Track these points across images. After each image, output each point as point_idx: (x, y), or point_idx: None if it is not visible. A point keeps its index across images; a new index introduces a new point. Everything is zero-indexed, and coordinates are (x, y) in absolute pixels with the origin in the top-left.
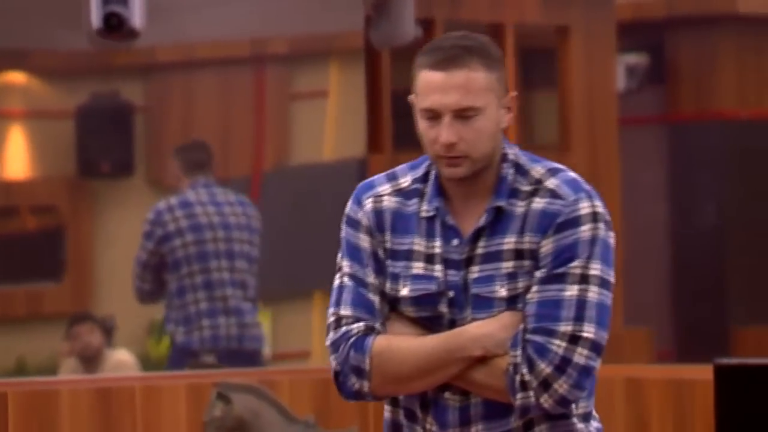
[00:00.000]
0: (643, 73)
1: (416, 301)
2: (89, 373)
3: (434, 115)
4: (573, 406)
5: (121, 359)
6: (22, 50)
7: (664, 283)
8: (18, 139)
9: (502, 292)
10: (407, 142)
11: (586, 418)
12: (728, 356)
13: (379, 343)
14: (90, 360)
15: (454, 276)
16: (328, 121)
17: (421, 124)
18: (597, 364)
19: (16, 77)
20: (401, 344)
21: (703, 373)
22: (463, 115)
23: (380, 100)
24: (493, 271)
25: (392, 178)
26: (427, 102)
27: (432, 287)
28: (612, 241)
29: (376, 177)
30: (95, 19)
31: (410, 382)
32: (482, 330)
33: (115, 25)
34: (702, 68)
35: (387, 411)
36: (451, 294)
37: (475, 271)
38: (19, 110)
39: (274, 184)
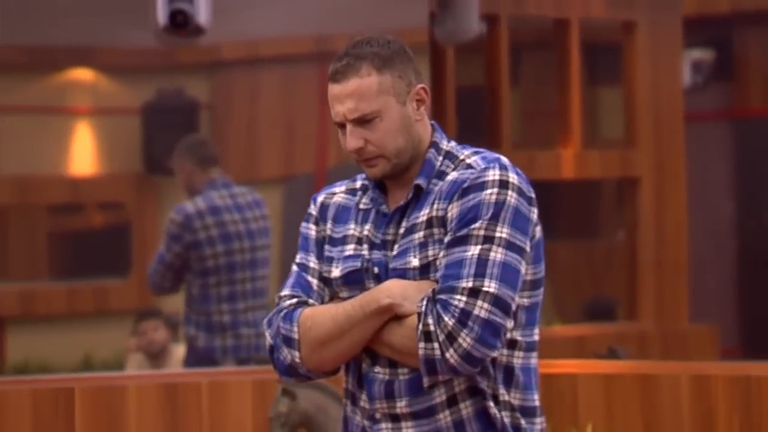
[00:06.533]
0: (709, 69)
1: (345, 279)
2: (155, 368)
3: (341, 125)
4: (502, 391)
5: None
6: (90, 48)
7: (730, 280)
8: (85, 136)
9: (414, 261)
10: (471, 137)
11: (525, 412)
12: None
13: (305, 312)
14: (156, 356)
15: (379, 255)
16: None
17: (339, 133)
18: (504, 321)
19: (84, 74)
20: (323, 309)
21: None
22: (362, 120)
23: (445, 95)
24: (408, 243)
25: (351, 181)
26: (332, 114)
27: (357, 264)
28: (526, 210)
29: (340, 182)
30: (161, 16)
31: (331, 344)
32: (391, 283)
33: (180, 23)
34: None
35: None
36: (376, 270)
37: (395, 249)
38: (86, 107)
39: (338, 180)
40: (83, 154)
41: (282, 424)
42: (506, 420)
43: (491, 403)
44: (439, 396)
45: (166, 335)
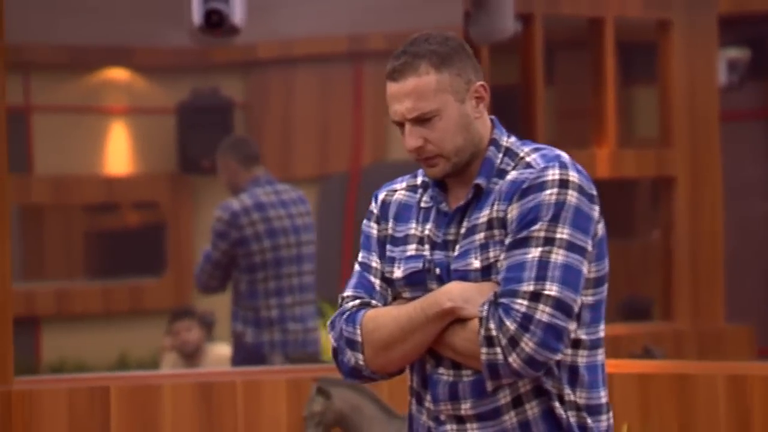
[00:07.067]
0: (744, 68)
1: (408, 280)
2: (190, 367)
3: (400, 124)
4: (568, 391)
5: (222, 354)
6: (125, 47)
7: (766, 279)
8: (120, 136)
9: (476, 263)
10: None
11: (592, 410)
12: None
13: (368, 314)
14: (190, 356)
15: (441, 255)
16: None
17: (399, 132)
18: (566, 324)
19: (119, 74)
20: (386, 311)
21: None
22: (421, 119)
23: None
24: (469, 245)
25: (412, 177)
26: (391, 113)
27: (419, 265)
28: (588, 209)
29: (400, 177)
30: (196, 16)
31: (395, 347)
32: (452, 285)
33: (215, 22)
34: None
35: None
36: (437, 271)
37: (456, 249)
38: (121, 107)
39: (373, 180)
40: (119, 153)
41: (317, 423)
42: (572, 420)
43: (557, 404)
44: (504, 397)
45: (199, 335)
